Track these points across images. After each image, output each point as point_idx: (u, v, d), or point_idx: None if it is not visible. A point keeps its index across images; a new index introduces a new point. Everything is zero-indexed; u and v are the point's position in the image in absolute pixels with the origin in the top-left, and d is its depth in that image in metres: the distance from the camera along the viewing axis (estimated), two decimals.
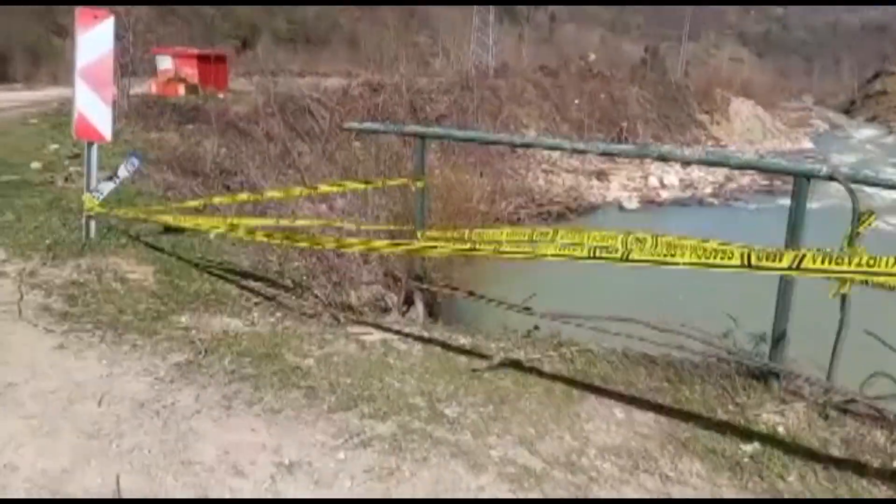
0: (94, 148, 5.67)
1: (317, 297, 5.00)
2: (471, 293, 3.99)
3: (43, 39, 32.19)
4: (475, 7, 31.46)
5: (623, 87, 32.49)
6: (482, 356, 3.74)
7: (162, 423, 2.89)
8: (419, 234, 4.01)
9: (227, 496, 2.49)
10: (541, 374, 3.47)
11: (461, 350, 3.83)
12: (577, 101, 29.51)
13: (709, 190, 23.82)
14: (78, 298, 4.63)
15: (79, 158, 11.42)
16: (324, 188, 5.51)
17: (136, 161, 5.81)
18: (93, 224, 5.71)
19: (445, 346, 3.89)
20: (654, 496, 2.60)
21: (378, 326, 4.23)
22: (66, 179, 9.65)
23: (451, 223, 17.82)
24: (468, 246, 3.23)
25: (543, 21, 51.96)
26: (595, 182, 23.70)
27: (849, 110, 46.18)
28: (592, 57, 40.20)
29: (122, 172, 5.73)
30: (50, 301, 4.58)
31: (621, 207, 21.93)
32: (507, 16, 38.04)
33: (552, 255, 2.83)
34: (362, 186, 5.85)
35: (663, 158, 5.00)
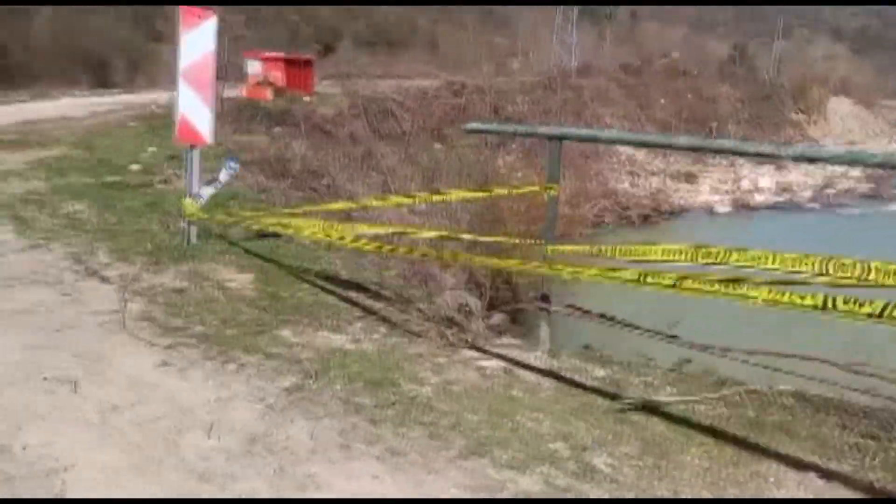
0: (196, 152, 5.49)
1: (420, 311, 4.60)
2: (603, 316, 3.49)
3: (141, 45, 33.46)
4: (559, 6, 30.71)
5: (712, 86, 31.00)
6: (617, 395, 3.24)
7: (277, 465, 2.54)
8: (548, 249, 3.55)
9: None
10: (703, 419, 2.95)
11: (597, 384, 3.35)
12: (662, 101, 28.32)
13: (807, 194, 22.29)
14: (180, 308, 4.41)
15: (175, 160, 11.54)
16: (435, 196, 5.09)
17: (234, 165, 5.60)
18: (193, 229, 5.54)
19: (577, 379, 3.42)
20: None
21: (500, 356, 3.77)
22: (165, 181, 9.70)
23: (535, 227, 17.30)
24: (632, 275, 2.62)
25: (624, 19, 50.42)
26: (683, 185, 22.57)
27: None
28: (675, 55, 38.64)
29: (223, 177, 5.53)
30: (152, 310, 4.37)
31: (712, 211, 20.78)
32: (587, 15, 37.03)
33: (763, 300, 2.24)
34: (481, 195, 5.30)
35: (808, 159, 4.35)
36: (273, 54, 21.45)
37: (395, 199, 5.01)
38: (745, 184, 22.75)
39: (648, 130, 26.10)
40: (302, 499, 2.42)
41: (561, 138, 3.81)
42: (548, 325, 3.63)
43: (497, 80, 24.44)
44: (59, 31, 28.68)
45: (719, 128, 27.51)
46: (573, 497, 2.42)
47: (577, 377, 3.42)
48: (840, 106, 31.90)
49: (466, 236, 5.69)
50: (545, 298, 3.58)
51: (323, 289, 4.92)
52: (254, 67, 20.72)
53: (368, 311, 4.54)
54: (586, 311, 3.54)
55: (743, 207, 21.09)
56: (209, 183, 5.52)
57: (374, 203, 5.78)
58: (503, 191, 5.37)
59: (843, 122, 31.07)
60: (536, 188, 3.81)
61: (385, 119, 21.93)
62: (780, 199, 21.96)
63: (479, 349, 3.84)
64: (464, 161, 19.43)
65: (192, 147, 5.43)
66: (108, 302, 4.55)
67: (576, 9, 30.12)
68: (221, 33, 16.72)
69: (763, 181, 22.93)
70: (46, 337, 3.84)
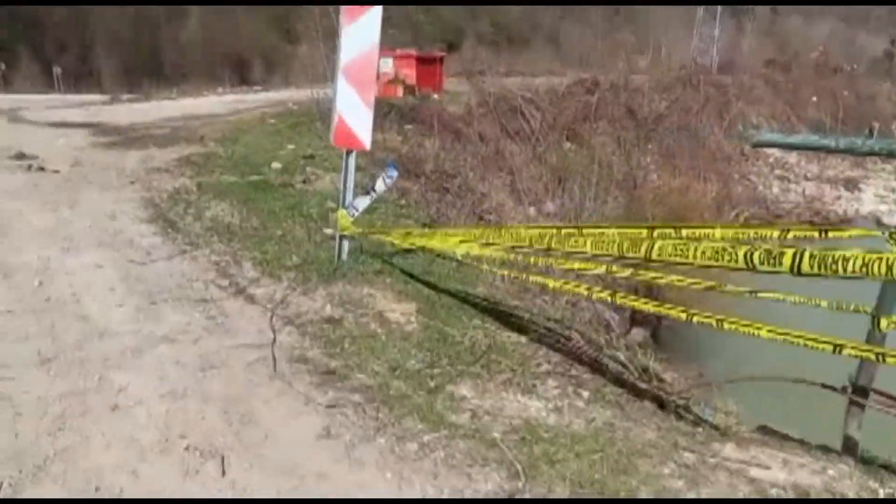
0: (353, 157, 4.76)
1: (614, 360, 3.62)
2: None
3: (277, 46, 34.36)
4: (699, 5, 28.46)
5: (869, 83, 27.67)
6: None
7: None
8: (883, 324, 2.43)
9: None
10: None
11: None
12: (814, 99, 25.51)
13: None
14: (336, 345, 3.67)
15: (314, 160, 11.15)
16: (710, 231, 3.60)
17: (394, 173, 4.83)
18: (346, 245, 4.82)
19: None
20: None
21: (776, 458, 2.71)
22: (304, 181, 9.24)
23: None
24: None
25: (764, 13, 46.63)
26: (843, 192, 20.05)
27: None
28: (820, 49, 35.02)
29: (380, 186, 4.78)
30: (306, 346, 3.66)
31: (879, 223, 18.23)
32: (727, 9, 34.32)
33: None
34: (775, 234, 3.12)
35: None
36: (405, 52, 21.00)
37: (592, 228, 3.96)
38: None
39: (799, 131, 23.55)
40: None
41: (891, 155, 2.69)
42: (859, 427, 2.54)
43: (631, 77, 22.81)
44: (207, 32, 29.87)
45: (882, 129, 24.39)
46: None
47: None
48: None
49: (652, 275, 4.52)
50: (861, 391, 2.50)
51: (497, 326, 4.04)
52: (385, 66, 20.33)
53: (556, 362, 3.61)
54: None
55: None
56: (366, 193, 4.79)
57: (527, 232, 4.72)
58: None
59: None
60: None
61: (514, 117, 20.95)
62: None
63: (738, 440, 2.79)
64: (597, 162, 18.14)
65: (349, 152, 4.72)
66: (256, 330, 3.89)
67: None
68: None
69: None
70: (191, 379, 3.20)
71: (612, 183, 18.15)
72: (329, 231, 6.45)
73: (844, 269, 2.13)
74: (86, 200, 7.26)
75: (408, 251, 5.19)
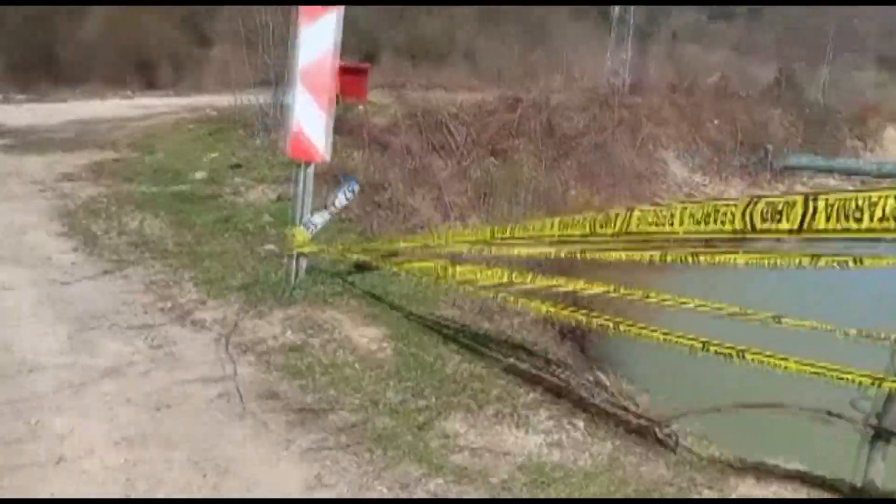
0: (310, 170, 4.43)
1: (599, 385, 3.51)
2: None
3: (187, 48, 32.80)
4: (613, 22, 29.56)
5: (763, 109, 29.60)
6: None
7: None
8: None
9: None
10: None
11: None
12: (715, 122, 26.99)
13: None
14: (306, 376, 3.35)
15: (240, 169, 10.58)
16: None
17: (355, 187, 4.55)
18: (302, 263, 4.47)
19: None
20: None
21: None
22: (234, 193, 8.71)
23: None
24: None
25: (665, 39, 49.47)
26: None
27: None
28: (716, 76, 37.28)
29: (341, 201, 4.49)
30: (272, 379, 3.31)
31: (779, 239, 19.40)
32: (634, 33, 35.86)
33: None
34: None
35: None
36: None
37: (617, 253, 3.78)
38: None
39: (703, 153, 24.82)
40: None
41: None
42: (883, 459, 2.48)
43: (551, 95, 23.31)
44: (109, 30, 28.09)
45: (774, 152, 26.12)
46: None
47: None
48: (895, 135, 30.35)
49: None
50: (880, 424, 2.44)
51: (472, 350, 3.83)
52: None
53: (542, 388, 3.44)
54: None
55: None
56: (324, 208, 4.47)
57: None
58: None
59: None
60: None
61: (438, 131, 20.89)
62: None
63: (756, 475, 2.68)
64: (519, 178, 18.35)
65: (306, 164, 4.39)
66: (212, 360, 3.51)
67: (632, 24, 28.93)
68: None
69: None
70: (147, 421, 2.80)
71: (535, 198, 18.32)
72: (271, 247, 6.05)
73: (871, 217, 1.94)
74: None
75: (362, 269, 4.90)
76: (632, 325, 2.87)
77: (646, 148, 23.46)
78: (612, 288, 3.03)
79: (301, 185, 4.41)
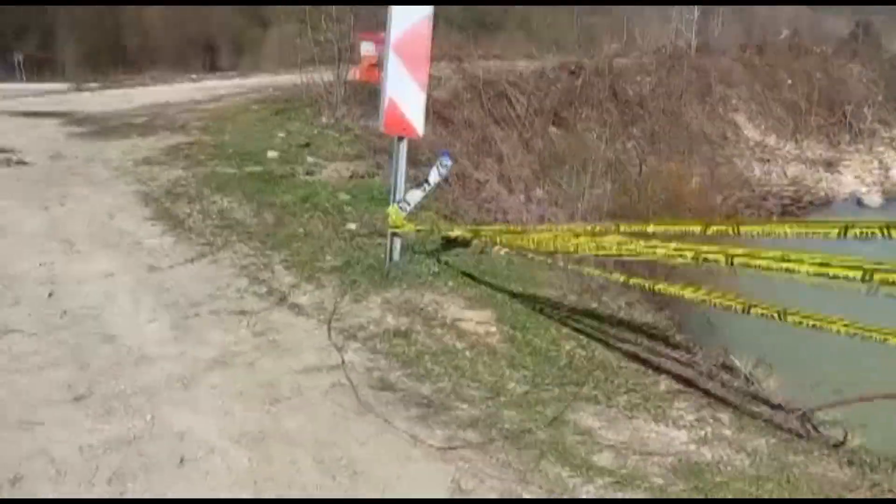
0: (404, 145, 4.19)
1: (727, 370, 3.18)
2: None
3: (246, 30, 33.10)
4: None
5: (841, 66, 27.82)
6: None
7: None
8: None
9: None
10: None
11: None
12: (789, 82, 25.51)
13: None
14: (417, 364, 3.14)
15: (310, 148, 10.48)
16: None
17: (448, 162, 4.28)
18: (397, 243, 4.26)
19: None
20: None
21: None
22: (309, 173, 8.59)
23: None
24: None
25: None
26: (823, 173, 20.04)
27: None
28: (784, 33, 35.29)
29: (434, 177, 4.23)
30: (382, 367, 3.12)
31: (860, 203, 18.26)
32: None
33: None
34: None
35: None
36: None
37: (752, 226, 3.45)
38: (895, 172, 19.98)
39: (777, 114, 23.54)
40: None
41: None
42: None
43: (615, 60, 22.41)
44: (172, 15, 28.53)
45: (854, 111, 24.55)
46: None
47: None
48: None
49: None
50: None
51: (585, 333, 3.55)
52: (368, 49, 19.55)
53: (670, 375, 3.14)
54: None
55: None
56: (418, 185, 4.23)
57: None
58: None
59: None
60: None
61: (499, 102, 20.41)
62: None
63: None
64: (584, 148, 17.75)
65: (400, 139, 4.15)
66: (317, 347, 3.34)
67: None
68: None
69: None
70: (263, 416, 2.64)
71: (600, 168, 17.69)
72: (352, 227, 5.88)
73: None
74: (76, 196, 6.53)
75: (453, 247, 4.65)
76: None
77: (716, 111, 22.40)
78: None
79: (396, 162, 4.17)
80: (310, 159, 9.20)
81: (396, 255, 4.24)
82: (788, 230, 2.47)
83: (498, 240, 3.52)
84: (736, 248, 2.52)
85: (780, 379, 3.45)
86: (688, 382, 3.03)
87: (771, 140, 22.36)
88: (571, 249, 3.04)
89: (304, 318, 3.75)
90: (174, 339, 3.41)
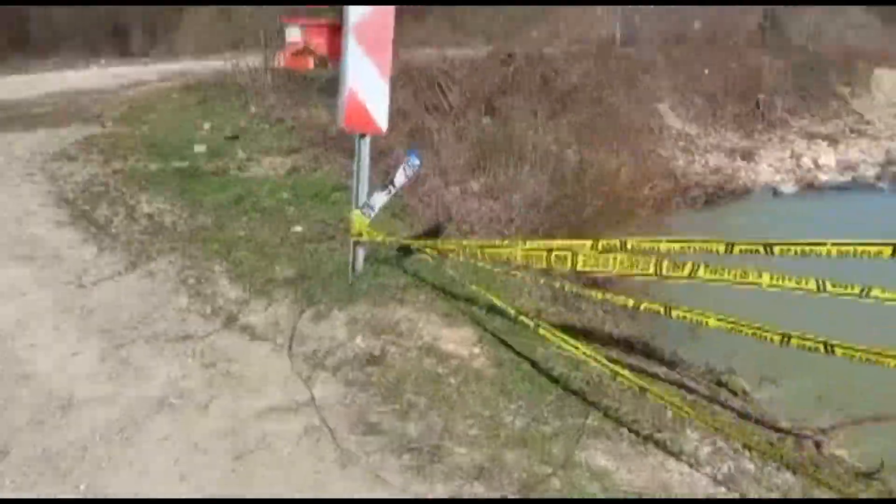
0: (367, 143, 3.75)
1: (734, 394, 2.98)
2: None
3: (158, 14, 31.16)
4: None
5: (754, 56, 28.90)
6: None
7: None
8: None
9: None
10: None
11: None
12: (706, 72, 26.30)
13: (871, 172, 20.45)
14: (397, 398, 2.75)
15: (239, 140, 9.77)
16: None
17: (416, 161, 3.87)
18: (361, 253, 3.83)
19: None
20: None
21: None
22: (240, 168, 7.95)
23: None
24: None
25: None
26: (741, 162, 20.72)
27: None
28: (698, 25, 36.48)
29: (400, 179, 3.81)
30: (359, 403, 2.71)
31: (776, 192, 18.96)
32: None
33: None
34: None
35: None
36: (316, 20, 19.39)
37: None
38: (806, 161, 20.90)
39: (697, 104, 24.21)
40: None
41: None
42: None
43: (545, 50, 22.40)
44: None
45: (766, 101, 25.55)
46: None
47: None
48: (883, 79, 29.91)
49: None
50: None
51: (570, 350, 3.24)
52: (293, 34, 18.67)
53: (673, 398, 2.88)
54: None
55: (809, 187, 19.26)
56: (384, 188, 3.80)
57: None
58: None
59: (887, 95, 29.12)
60: None
61: (431, 90, 20.00)
62: (844, 178, 20.12)
63: None
64: (518, 138, 17.61)
65: (362, 136, 3.71)
66: (279, 380, 2.90)
67: None
68: None
69: (823, 158, 21.10)
70: (229, 477, 2.19)
71: (535, 159, 17.55)
72: (298, 229, 5.39)
73: None
74: None
75: (413, 254, 4.26)
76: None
77: (641, 102, 22.76)
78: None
79: (357, 162, 3.73)
80: (242, 153, 8.56)
81: (360, 266, 3.81)
82: (675, 246, 2.50)
83: (479, 253, 3.16)
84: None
85: (772, 391, 3.26)
86: (692, 406, 2.79)
87: (692, 130, 22.98)
88: (571, 265, 2.73)
89: (259, 343, 3.28)
90: (107, 375, 2.88)
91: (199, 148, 8.84)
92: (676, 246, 2.42)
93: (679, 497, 2.22)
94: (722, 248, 2.37)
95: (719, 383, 3.15)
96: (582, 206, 15.29)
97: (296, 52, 18.55)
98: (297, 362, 3.06)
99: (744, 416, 2.88)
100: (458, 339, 3.24)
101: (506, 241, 2.97)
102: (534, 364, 3.04)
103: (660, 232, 15.70)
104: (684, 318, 2.47)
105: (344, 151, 10.20)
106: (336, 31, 19.69)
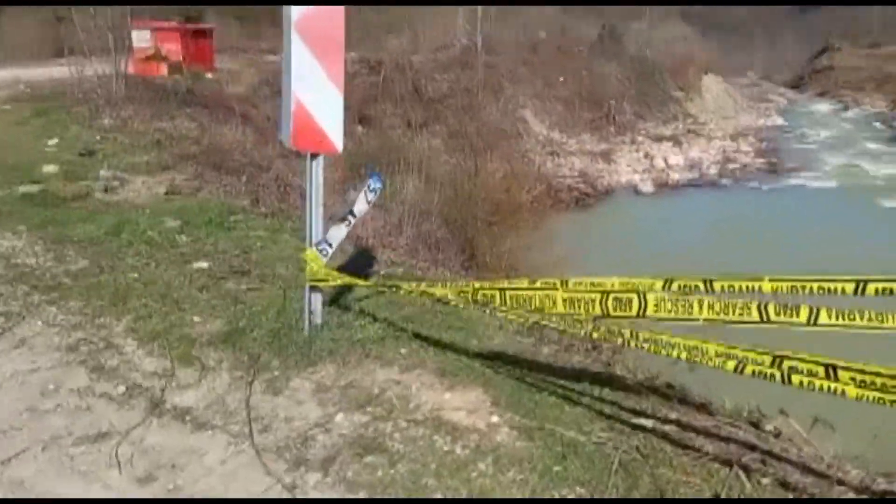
0: (320, 165, 2.98)
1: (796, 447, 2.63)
2: None
3: None
4: None
5: (602, 65, 30.49)
6: None
7: None
8: None
9: None
10: None
11: None
12: (562, 79, 27.33)
13: (713, 170, 22.18)
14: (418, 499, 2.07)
15: (93, 157, 8.30)
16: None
17: (377, 185, 3.15)
18: (317, 299, 3.04)
19: None
20: None
21: None
22: (106, 190, 6.65)
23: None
24: None
25: None
26: (602, 164, 21.61)
27: (797, 86, 45.42)
28: (543, 35, 38.11)
29: (360, 206, 3.07)
30: None
31: (637, 191, 19.97)
32: None
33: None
34: None
35: None
36: (167, 24, 17.54)
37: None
38: (659, 162, 22.23)
39: (557, 110, 25.01)
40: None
41: None
42: None
43: (412, 58, 22.06)
44: None
45: (616, 106, 27.02)
46: None
47: None
48: (711, 84, 32.79)
49: None
50: None
51: (598, 401, 2.72)
52: (142, 39, 16.74)
53: (720, 453, 2.46)
54: None
55: (664, 186, 20.49)
56: (342, 219, 3.04)
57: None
58: None
59: (715, 99, 31.95)
60: None
61: None
62: (692, 175, 21.64)
63: None
64: (392, 146, 17.03)
65: (314, 156, 2.93)
66: (254, 489, 2.10)
67: None
68: None
69: (672, 158, 22.57)
70: None
71: (408, 166, 17.07)
72: (204, 265, 4.45)
73: None
74: None
75: (377, 294, 3.54)
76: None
77: (508, 108, 23.05)
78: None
79: (310, 189, 2.95)
80: (105, 173, 7.22)
81: (318, 317, 3.03)
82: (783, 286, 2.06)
83: (500, 299, 2.51)
84: None
85: (831, 435, 2.90)
86: (740, 464, 2.36)
87: (556, 135, 23.67)
88: (638, 313, 2.19)
89: (206, 435, 2.43)
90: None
91: (50, 168, 7.37)
92: (785, 286, 1.93)
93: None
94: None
95: (758, 425, 2.77)
96: (469, 212, 15.01)
97: (145, 58, 16.67)
98: (268, 460, 2.27)
99: (796, 465, 2.50)
100: (468, 406, 2.60)
101: (538, 282, 2.35)
102: (569, 433, 2.47)
103: (550, 234, 15.84)
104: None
105: (224, 168, 9.07)
106: (188, 36, 17.96)
